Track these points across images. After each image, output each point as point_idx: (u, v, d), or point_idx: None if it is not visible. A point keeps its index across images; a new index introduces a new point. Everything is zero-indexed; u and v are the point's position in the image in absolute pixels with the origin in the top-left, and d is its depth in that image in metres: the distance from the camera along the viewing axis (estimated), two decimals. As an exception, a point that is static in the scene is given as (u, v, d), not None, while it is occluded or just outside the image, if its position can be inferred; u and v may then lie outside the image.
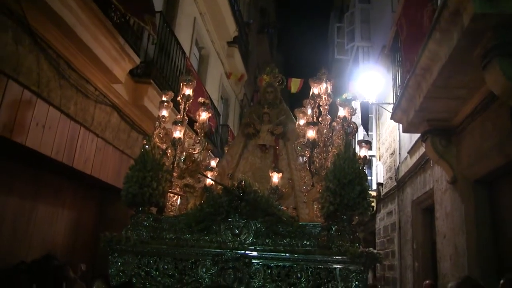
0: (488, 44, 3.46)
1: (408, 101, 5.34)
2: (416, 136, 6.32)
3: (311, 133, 3.86)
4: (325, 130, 4.16)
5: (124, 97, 6.05)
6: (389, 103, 7.46)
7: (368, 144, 4.06)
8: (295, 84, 10.53)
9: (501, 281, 3.42)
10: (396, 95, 6.20)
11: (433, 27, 4.06)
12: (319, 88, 4.40)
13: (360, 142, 4.04)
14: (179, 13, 8.88)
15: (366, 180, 3.13)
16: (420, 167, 6.69)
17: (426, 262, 6.66)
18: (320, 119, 4.30)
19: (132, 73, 6.06)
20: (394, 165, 8.38)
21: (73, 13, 4.42)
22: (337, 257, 2.98)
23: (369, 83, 7.76)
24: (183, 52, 7.91)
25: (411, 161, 7.19)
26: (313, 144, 3.85)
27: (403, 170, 7.74)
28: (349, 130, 3.88)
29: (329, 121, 4.25)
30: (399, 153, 8.09)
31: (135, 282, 3.15)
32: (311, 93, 4.45)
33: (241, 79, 13.83)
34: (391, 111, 6.25)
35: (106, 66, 5.22)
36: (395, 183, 8.22)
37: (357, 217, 3.20)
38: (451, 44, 3.86)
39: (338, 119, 4.02)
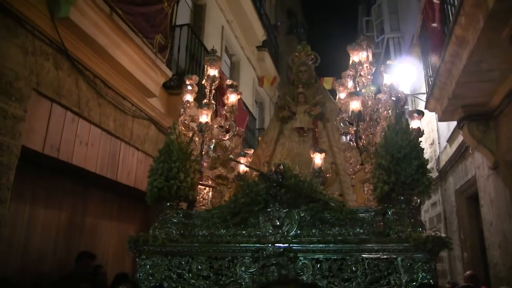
0: (516, 23, 3.40)
1: (440, 89, 5.26)
2: (454, 124, 6.20)
3: (355, 104, 3.41)
4: (370, 102, 3.62)
5: (160, 110, 6.29)
6: (423, 93, 7.33)
7: (420, 114, 3.64)
8: (327, 82, 10.51)
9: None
10: (428, 84, 6.11)
11: (458, 12, 4.01)
12: (359, 56, 3.83)
13: (411, 112, 3.63)
14: (206, 23, 9.10)
15: (423, 153, 2.73)
16: (460, 155, 6.55)
17: (475, 252, 6.50)
18: (363, 90, 3.76)
19: (165, 86, 6.29)
20: (435, 155, 8.22)
21: (105, 34, 4.66)
22: (398, 245, 2.57)
23: (402, 74, 7.66)
24: (213, 61, 8.08)
25: (451, 150, 7.04)
26: (358, 116, 3.39)
27: (444, 160, 7.57)
28: (397, 100, 3.45)
29: (374, 92, 3.72)
30: (439, 143, 7.93)
31: (166, 286, 2.85)
32: (350, 61, 3.94)
33: (273, 82, 13.92)
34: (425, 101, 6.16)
35: (140, 82, 5.46)
36: (437, 173, 8.05)
37: (416, 197, 2.81)
38: (477, 27, 3.81)
39: (385, 88, 3.58)
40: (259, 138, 5.13)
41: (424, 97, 7.17)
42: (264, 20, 12.91)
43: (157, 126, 6.31)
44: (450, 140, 6.97)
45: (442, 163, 7.70)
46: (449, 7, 4.73)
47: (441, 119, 5.91)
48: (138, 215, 6.68)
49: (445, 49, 4.55)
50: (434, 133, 8.14)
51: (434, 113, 6.82)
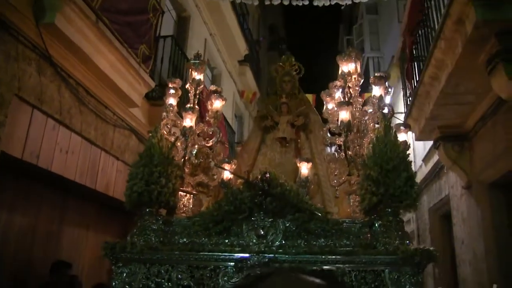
0: (493, 50, 3.55)
1: (418, 109, 5.42)
2: (430, 143, 6.38)
3: (344, 115, 3.38)
4: (357, 114, 3.60)
5: (141, 120, 6.26)
6: (401, 112, 7.52)
7: (407, 127, 3.66)
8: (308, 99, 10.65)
9: None
10: (407, 104, 6.29)
11: (438, 36, 4.17)
12: (348, 67, 3.79)
13: (398, 125, 3.61)
14: (190, 35, 9.15)
15: (411, 166, 2.73)
16: (435, 174, 6.73)
17: (446, 268, 6.65)
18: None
19: (147, 96, 6.27)
20: (410, 173, 8.39)
21: (90, 42, 4.64)
22: (385, 257, 2.54)
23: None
24: (196, 73, 8.11)
25: (426, 169, 7.22)
26: (348, 126, 3.35)
27: (419, 178, 7.75)
28: (385, 112, 3.41)
29: (361, 104, 3.73)
30: (414, 161, 8.11)
31: None
32: (340, 71, 3.87)
33: (253, 99, 14.00)
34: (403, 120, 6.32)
35: (123, 91, 5.43)
36: (412, 191, 8.20)
37: (401, 210, 2.75)
38: (456, 52, 3.96)
39: (374, 99, 3.54)
40: (239, 148, 5.02)
41: (401, 116, 7.36)
42: (247, 34, 13.05)
43: (138, 137, 6.26)
44: (426, 159, 7.16)
45: (417, 181, 7.88)
46: (429, 30, 4.91)
47: (418, 138, 6.08)
48: (116, 225, 6.57)
49: (424, 71, 4.71)
50: (410, 151, 8.33)
51: (410, 132, 7.01)
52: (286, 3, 8.99)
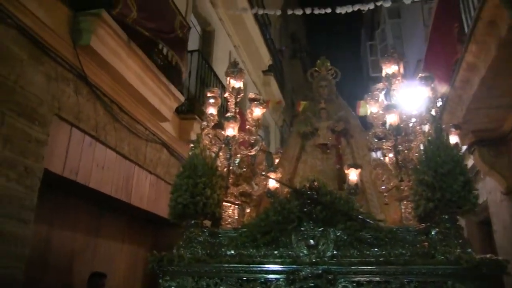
0: (527, 51, 3.48)
1: (450, 114, 5.33)
2: (464, 148, 6.26)
3: (393, 118, 3.26)
4: (403, 117, 3.42)
5: (172, 134, 6.37)
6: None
7: (458, 129, 3.48)
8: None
9: None
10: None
11: (469, 39, 4.12)
12: (391, 68, 3.64)
13: (448, 127, 3.45)
14: (215, 48, 9.28)
15: (467, 169, 2.58)
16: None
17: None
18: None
19: (177, 110, 6.39)
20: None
21: (123, 61, 4.78)
22: (447, 267, 2.36)
23: (409, 98, 7.75)
24: (222, 86, 8.22)
25: (460, 174, 7.07)
26: (397, 130, 3.21)
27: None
28: (434, 113, 3.24)
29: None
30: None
31: None
32: (384, 74, 3.72)
33: (279, 105, 14.04)
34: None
35: (154, 106, 5.55)
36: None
37: (458, 217, 2.58)
38: (489, 54, 3.90)
39: (421, 99, 3.37)
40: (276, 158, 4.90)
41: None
42: (270, 44, 13.13)
43: (169, 150, 6.38)
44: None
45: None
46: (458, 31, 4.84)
47: (450, 143, 5.97)
48: (149, 238, 6.70)
49: (456, 75, 4.65)
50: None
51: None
52: (308, 12, 9.07)
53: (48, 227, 4.42)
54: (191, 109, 6.72)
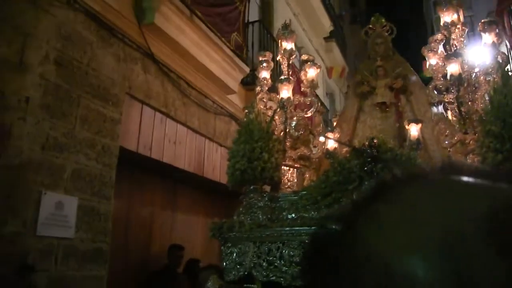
0: None
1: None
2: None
3: (454, 68, 3.07)
4: (466, 67, 3.22)
5: (239, 106, 6.42)
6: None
7: None
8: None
9: None
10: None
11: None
12: (451, 16, 3.37)
13: None
14: (275, 18, 9.13)
15: None
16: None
17: None
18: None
19: (243, 82, 6.41)
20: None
21: (187, 36, 4.84)
22: None
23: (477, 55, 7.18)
24: (285, 55, 8.11)
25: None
26: (459, 80, 3.04)
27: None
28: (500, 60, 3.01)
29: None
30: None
31: (256, 275, 2.58)
32: (442, 22, 3.47)
33: (343, 74, 13.66)
34: None
35: (220, 79, 5.61)
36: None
37: None
38: None
39: (485, 47, 3.14)
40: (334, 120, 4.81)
41: None
42: (330, 10, 12.70)
43: (238, 122, 6.43)
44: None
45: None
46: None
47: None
48: (223, 209, 6.88)
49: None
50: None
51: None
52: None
53: (127, 202, 4.66)
54: (255, 80, 6.70)
